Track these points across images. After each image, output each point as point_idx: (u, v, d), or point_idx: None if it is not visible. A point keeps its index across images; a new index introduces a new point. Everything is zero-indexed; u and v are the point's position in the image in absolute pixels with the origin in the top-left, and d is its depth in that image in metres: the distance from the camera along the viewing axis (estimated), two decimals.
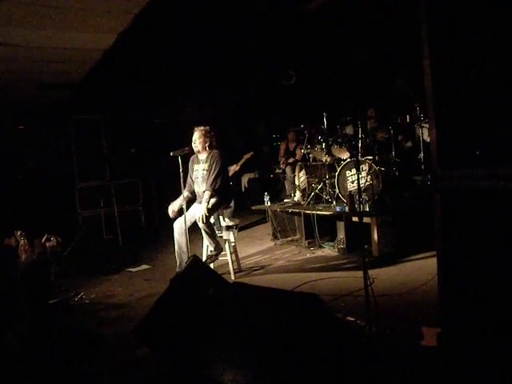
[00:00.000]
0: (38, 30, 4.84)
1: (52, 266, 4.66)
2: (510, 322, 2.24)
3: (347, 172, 6.18)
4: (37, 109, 8.66)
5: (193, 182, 5.49)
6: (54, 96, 7.92)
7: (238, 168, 8.34)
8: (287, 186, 8.09)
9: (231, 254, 5.49)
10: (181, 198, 5.27)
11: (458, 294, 2.41)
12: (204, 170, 5.39)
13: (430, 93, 2.49)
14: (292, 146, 8.24)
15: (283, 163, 8.28)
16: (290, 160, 8.18)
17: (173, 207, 5.41)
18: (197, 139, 5.35)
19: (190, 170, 5.51)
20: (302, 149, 7.77)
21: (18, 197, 8.23)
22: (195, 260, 3.55)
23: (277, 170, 8.56)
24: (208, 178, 5.30)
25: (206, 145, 5.38)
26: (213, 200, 5.27)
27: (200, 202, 5.34)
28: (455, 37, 2.45)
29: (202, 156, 5.44)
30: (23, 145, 8.79)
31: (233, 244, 5.62)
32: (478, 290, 2.34)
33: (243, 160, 8.35)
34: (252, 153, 8.26)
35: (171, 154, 5.10)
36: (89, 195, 8.92)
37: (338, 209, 6.04)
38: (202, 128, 5.39)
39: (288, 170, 8.01)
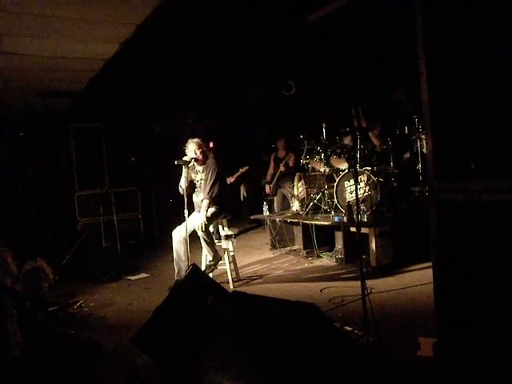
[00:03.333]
0: (40, 40, 4.89)
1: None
2: (505, 332, 2.27)
3: (346, 182, 6.22)
4: (37, 117, 8.70)
5: (184, 191, 5.52)
6: (55, 104, 7.96)
7: (232, 180, 8.38)
8: (276, 203, 8.08)
9: (230, 263, 5.51)
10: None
11: (453, 304, 2.44)
12: (202, 179, 5.46)
13: (427, 105, 2.53)
14: (282, 153, 8.24)
15: (270, 190, 8.18)
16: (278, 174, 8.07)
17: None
18: (196, 150, 5.39)
19: (182, 180, 5.51)
20: (290, 157, 7.80)
21: (17, 204, 8.24)
22: (194, 269, 3.58)
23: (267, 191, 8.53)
24: (205, 187, 5.36)
25: (205, 155, 5.46)
26: (212, 209, 5.33)
27: (199, 211, 5.38)
28: (452, 51, 2.51)
29: (200, 166, 5.49)
30: (23, 152, 8.81)
31: (231, 253, 5.65)
32: (474, 301, 2.37)
33: (238, 173, 8.39)
34: (248, 167, 8.29)
35: (175, 162, 5.25)
36: (88, 203, 8.92)
37: (336, 219, 6.07)
38: (197, 140, 5.46)
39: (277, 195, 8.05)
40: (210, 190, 5.32)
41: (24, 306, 3.36)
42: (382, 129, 6.97)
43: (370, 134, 6.89)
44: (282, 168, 7.85)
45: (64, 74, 6.26)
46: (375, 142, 6.86)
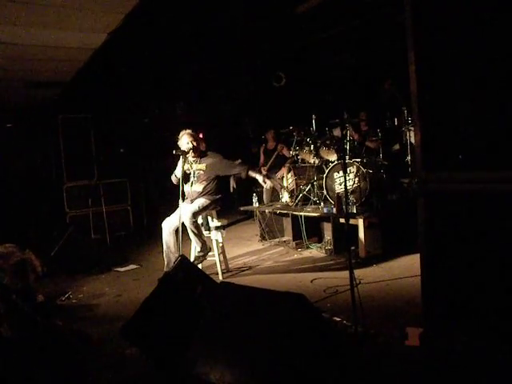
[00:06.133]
0: (27, 29, 4.81)
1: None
2: (490, 322, 2.30)
3: (335, 174, 6.23)
4: (25, 107, 8.59)
5: (181, 181, 5.50)
6: (43, 95, 7.86)
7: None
8: (265, 195, 8.07)
9: (219, 254, 5.51)
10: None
11: (440, 294, 2.46)
12: (200, 170, 5.50)
13: (415, 97, 2.54)
14: (272, 145, 8.25)
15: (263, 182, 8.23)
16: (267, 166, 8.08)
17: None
18: (191, 141, 5.42)
19: (178, 169, 5.52)
20: (283, 148, 7.83)
21: (5, 195, 8.16)
22: (183, 260, 3.58)
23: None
24: (232, 166, 5.64)
25: (199, 145, 5.53)
26: (202, 200, 5.34)
27: (191, 202, 5.38)
28: (440, 43, 2.51)
29: (194, 157, 5.50)
30: (11, 143, 8.71)
31: (221, 244, 5.64)
32: (460, 292, 2.39)
33: None
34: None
35: (174, 152, 5.33)
36: (77, 194, 8.85)
37: (325, 210, 6.09)
38: (189, 131, 5.51)
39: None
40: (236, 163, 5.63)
41: (10, 298, 3.33)
42: (370, 128, 7.05)
43: (368, 143, 6.91)
44: (282, 151, 7.89)
45: (51, 63, 6.19)
46: (372, 146, 6.89)
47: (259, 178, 5.58)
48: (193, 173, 5.52)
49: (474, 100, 2.36)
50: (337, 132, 6.84)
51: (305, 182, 6.84)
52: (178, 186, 5.47)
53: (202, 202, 5.35)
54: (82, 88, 7.75)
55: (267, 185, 5.77)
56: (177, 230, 5.28)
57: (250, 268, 5.86)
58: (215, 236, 5.53)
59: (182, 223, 5.22)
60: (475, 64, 2.36)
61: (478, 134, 2.33)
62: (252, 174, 5.52)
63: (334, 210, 5.92)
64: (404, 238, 5.60)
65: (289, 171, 7.13)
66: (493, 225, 2.25)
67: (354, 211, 5.79)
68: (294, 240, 6.79)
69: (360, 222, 5.64)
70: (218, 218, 5.73)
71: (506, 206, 2.17)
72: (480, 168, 2.28)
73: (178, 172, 5.46)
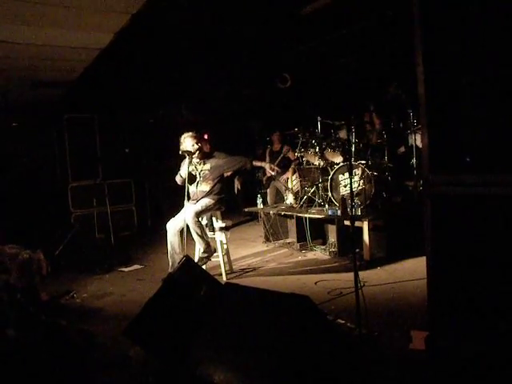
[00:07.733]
0: (34, 28, 4.84)
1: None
2: (496, 325, 2.28)
3: (340, 176, 6.22)
4: (30, 107, 8.62)
5: (186, 181, 5.50)
6: (48, 94, 7.90)
7: (229, 174, 8.39)
8: (269, 196, 8.05)
9: (223, 255, 5.51)
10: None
11: (446, 298, 2.45)
12: (207, 170, 5.53)
13: (423, 99, 2.53)
14: (277, 147, 8.24)
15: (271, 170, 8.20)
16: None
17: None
18: (195, 143, 5.43)
19: (183, 170, 5.53)
20: (289, 150, 7.81)
21: (10, 194, 8.19)
22: (187, 260, 3.57)
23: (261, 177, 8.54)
24: (235, 159, 5.60)
25: (206, 147, 5.56)
26: (206, 200, 5.35)
27: (196, 202, 5.38)
28: (448, 45, 2.49)
29: (199, 158, 5.52)
30: (16, 142, 8.74)
31: (225, 245, 5.64)
32: (467, 294, 2.38)
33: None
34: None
35: (180, 152, 5.42)
36: (81, 194, 8.87)
37: (330, 212, 6.07)
38: (191, 133, 5.54)
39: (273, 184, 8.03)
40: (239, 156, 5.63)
41: (15, 297, 3.34)
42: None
43: (371, 136, 6.88)
44: (288, 153, 7.88)
45: (58, 63, 6.21)
46: (375, 140, 6.86)
47: (265, 165, 5.71)
48: (199, 173, 5.54)
49: (482, 102, 2.35)
50: (342, 134, 6.83)
51: (309, 183, 6.83)
52: (182, 186, 5.49)
53: (205, 202, 5.36)
54: (88, 88, 7.77)
55: (274, 172, 5.93)
56: (182, 231, 5.28)
57: (254, 269, 5.85)
58: (219, 237, 5.54)
59: (187, 224, 5.22)
60: (484, 65, 2.35)
61: (486, 137, 2.32)
62: (257, 163, 5.59)
63: (339, 212, 5.90)
64: (409, 240, 5.57)
65: (293, 173, 7.12)
66: (500, 227, 2.23)
67: (359, 213, 5.77)
68: (298, 242, 6.78)
69: (365, 225, 5.62)
70: (223, 218, 5.73)
71: None
72: (487, 171, 2.26)
73: (183, 172, 5.48)
